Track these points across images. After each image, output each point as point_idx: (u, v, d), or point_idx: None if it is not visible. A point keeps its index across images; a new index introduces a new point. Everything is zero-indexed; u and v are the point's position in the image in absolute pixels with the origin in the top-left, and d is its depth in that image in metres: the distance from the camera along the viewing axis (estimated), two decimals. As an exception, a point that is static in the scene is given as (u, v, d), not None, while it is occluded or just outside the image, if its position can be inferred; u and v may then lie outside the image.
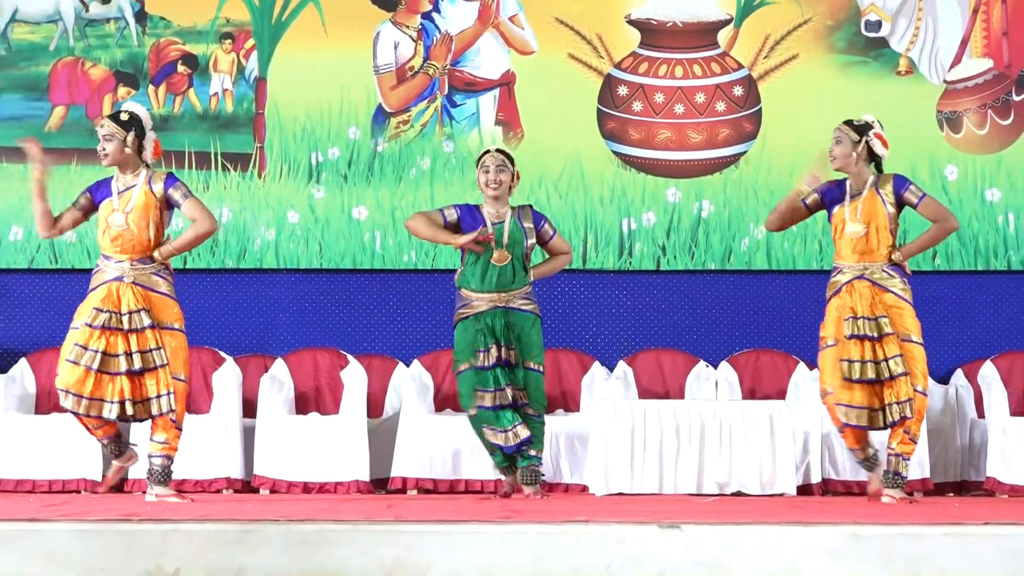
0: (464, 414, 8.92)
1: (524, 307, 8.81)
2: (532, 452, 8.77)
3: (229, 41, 11.05)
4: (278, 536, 5.94)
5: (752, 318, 10.88)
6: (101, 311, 8.09)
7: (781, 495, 9.30)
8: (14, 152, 10.85)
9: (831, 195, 8.58)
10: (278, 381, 10.39)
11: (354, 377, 10.31)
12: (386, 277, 10.96)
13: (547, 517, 6.58)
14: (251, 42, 11.06)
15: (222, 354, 10.60)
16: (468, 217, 8.87)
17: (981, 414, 10.31)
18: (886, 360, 8.30)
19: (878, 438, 8.86)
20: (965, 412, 10.36)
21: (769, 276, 10.90)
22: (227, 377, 10.30)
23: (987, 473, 9.92)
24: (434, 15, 11.09)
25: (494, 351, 8.68)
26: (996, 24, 11.06)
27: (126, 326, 8.08)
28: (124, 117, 8.27)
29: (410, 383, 10.30)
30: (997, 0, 11.05)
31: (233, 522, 6.10)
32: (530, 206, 9.04)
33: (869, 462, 8.59)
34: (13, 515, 6.63)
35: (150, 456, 8.17)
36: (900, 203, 8.48)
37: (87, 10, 11.04)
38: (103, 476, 8.50)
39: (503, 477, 8.97)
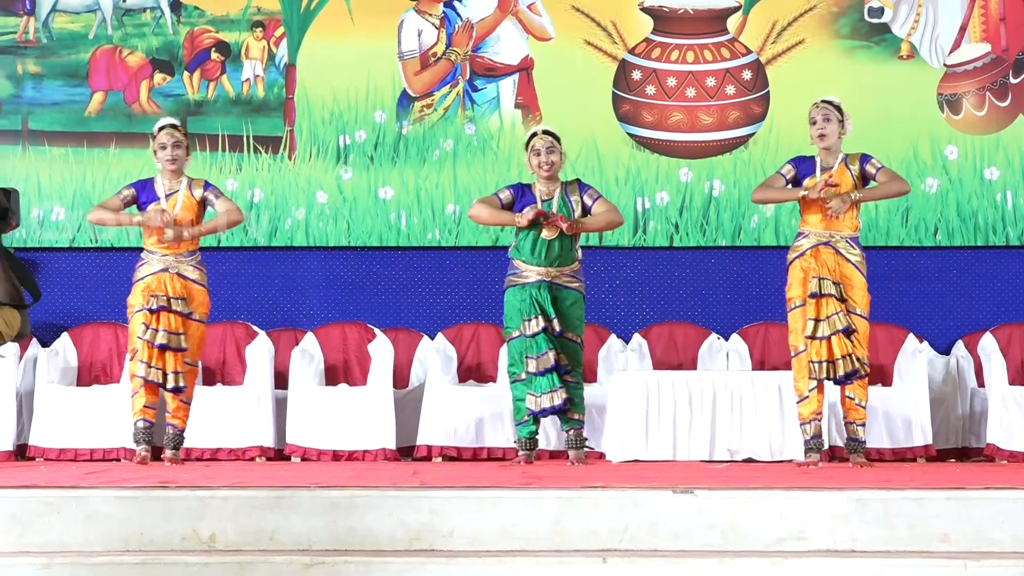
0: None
1: (569, 284, 8.80)
2: (575, 416, 8.79)
3: (260, 29, 11.02)
4: (309, 501, 5.94)
5: (761, 292, 10.85)
6: (154, 296, 8.70)
7: (789, 461, 9.27)
8: (57, 136, 10.85)
9: (804, 168, 8.72)
10: (308, 354, 10.38)
11: (381, 350, 10.30)
12: (411, 254, 10.94)
13: (566, 483, 6.57)
14: (281, 30, 11.03)
15: (255, 328, 10.60)
16: (521, 195, 8.87)
17: (981, 383, 10.28)
18: (847, 314, 8.44)
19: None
20: (966, 382, 10.33)
21: (777, 252, 10.81)
22: (260, 350, 10.30)
23: (987, 440, 9.90)
24: (456, 3, 11.05)
25: (538, 321, 8.66)
26: (994, 10, 11.00)
27: (173, 307, 8.73)
28: (183, 128, 8.97)
29: (434, 355, 10.29)
30: (995, -13, 11.00)
31: (266, 488, 6.10)
32: (577, 180, 8.98)
33: (816, 442, 8.59)
34: (56, 482, 6.63)
35: (166, 423, 8.97)
36: (864, 177, 8.64)
37: (124, 0, 11.01)
38: (137, 454, 8.60)
39: (521, 451, 8.92)
